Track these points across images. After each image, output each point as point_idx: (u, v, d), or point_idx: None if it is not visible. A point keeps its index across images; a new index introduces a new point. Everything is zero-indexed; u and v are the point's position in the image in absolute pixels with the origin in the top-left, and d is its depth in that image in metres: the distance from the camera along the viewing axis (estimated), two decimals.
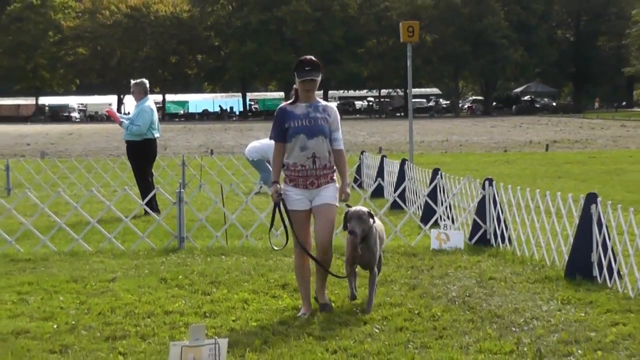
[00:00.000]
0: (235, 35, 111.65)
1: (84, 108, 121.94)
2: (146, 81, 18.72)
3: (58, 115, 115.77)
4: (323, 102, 9.60)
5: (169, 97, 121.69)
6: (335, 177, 9.54)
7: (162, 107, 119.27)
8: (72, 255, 13.12)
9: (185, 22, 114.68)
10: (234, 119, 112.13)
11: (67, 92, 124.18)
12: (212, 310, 9.61)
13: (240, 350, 7.96)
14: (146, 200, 16.11)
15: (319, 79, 9.45)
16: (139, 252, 13.26)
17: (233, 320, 9.12)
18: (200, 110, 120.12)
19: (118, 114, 18.94)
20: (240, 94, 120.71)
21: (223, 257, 12.83)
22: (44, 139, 60.18)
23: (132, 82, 18.76)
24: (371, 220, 9.49)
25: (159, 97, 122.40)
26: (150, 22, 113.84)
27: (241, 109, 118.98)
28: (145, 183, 18.06)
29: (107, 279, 11.28)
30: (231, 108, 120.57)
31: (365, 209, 9.51)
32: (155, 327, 8.88)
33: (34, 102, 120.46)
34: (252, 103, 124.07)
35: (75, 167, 26.57)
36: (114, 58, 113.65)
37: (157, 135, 18.45)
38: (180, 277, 11.34)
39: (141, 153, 18.21)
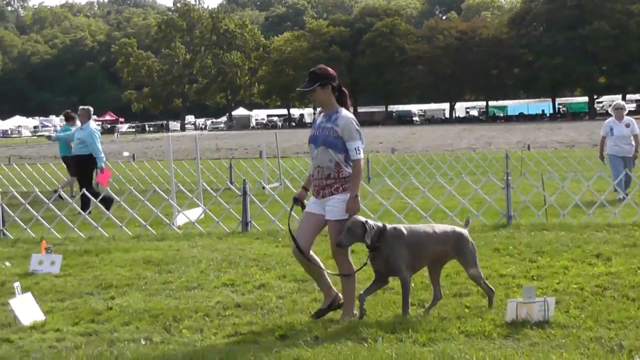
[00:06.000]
0: (545, 51, 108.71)
1: (423, 113, 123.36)
2: (91, 108, 18.00)
3: (403, 119, 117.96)
4: (341, 112, 7.75)
5: (491, 103, 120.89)
6: (346, 188, 7.66)
7: (485, 112, 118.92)
8: None
9: (504, 42, 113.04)
10: (545, 120, 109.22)
11: (409, 101, 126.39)
12: (539, 274, 9.50)
13: (564, 307, 7.81)
14: (100, 197, 15.52)
15: (318, 88, 7.73)
16: (474, 227, 12.72)
17: (557, 283, 8.95)
18: (517, 113, 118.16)
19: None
20: (550, 99, 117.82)
21: (545, 232, 12.56)
22: (393, 138, 61.39)
23: (80, 107, 17.97)
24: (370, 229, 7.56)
25: (482, 104, 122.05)
26: (475, 43, 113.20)
27: (551, 112, 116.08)
28: (91, 188, 16.98)
29: None
30: (542, 111, 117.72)
31: (360, 219, 7.58)
32: (493, 287, 8.84)
33: (384, 109, 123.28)
34: (560, 106, 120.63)
35: (420, 159, 27.02)
36: (446, 73, 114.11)
37: None
38: (510, 247, 11.26)
39: (90, 164, 17.54)
